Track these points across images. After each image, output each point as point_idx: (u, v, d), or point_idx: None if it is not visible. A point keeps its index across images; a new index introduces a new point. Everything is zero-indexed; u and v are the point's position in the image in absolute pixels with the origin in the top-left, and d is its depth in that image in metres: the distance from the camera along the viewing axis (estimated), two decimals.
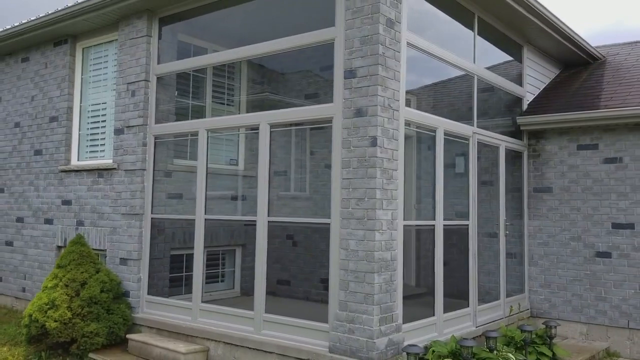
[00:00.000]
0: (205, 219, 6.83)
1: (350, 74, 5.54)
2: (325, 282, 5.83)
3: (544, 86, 9.22)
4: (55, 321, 6.46)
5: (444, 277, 6.30)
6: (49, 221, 8.65)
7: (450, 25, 7.16)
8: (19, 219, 9.19)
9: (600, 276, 7.84)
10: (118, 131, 7.71)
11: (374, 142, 5.34)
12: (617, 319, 7.66)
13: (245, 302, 7.49)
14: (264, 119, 6.30)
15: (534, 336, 6.56)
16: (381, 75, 5.39)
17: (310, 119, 6.01)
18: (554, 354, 6.50)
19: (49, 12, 8.16)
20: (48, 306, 6.56)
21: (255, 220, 6.37)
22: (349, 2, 5.60)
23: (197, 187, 6.86)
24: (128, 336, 6.86)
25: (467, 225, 6.96)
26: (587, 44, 9.15)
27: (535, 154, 8.48)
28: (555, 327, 6.63)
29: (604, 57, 9.86)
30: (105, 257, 7.69)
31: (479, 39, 7.40)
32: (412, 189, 8.09)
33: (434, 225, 6.30)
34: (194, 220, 6.88)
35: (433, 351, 5.59)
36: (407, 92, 5.77)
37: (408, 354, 5.09)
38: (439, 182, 6.35)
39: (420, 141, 7.35)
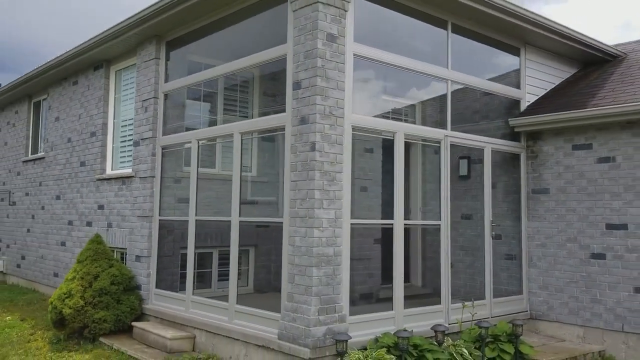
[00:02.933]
0: (196, 220, 7.60)
1: (297, 85, 6.07)
2: None
3: (553, 87, 9.14)
4: (70, 308, 7.49)
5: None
6: (89, 224, 9.86)
7: (422, 34, 7.45)
8: (69, 222, 10.51)
9: (595, 278, 7.71)
10: (136, 143, 8.71)
11: (313, 147, 5.83)
12: (612, 322, 7.50)
13: (257, 298, 8.19)
14: (236, 129, 6.98)
15: (501, 333, 6.67)
16: (320, 86, 5.87)
17: (271, 128, 6.60)
18: (519, 351, 6.57)
19: (84, 41, 9.39)
20: (65, 295, 7.62)
21: (230, 220, 7.02)
22: (296, 20, 6.15)
23: (190, 191, 7.67)
24: (133, 324, 7.77)
25: (439, 225, 7.19)
26: (596, 41, 8.97)
27: (532, 155, 8.47)
28: (522, 325, 6.68)
29: (625, 54, 9.57)
30: (126, 254, 8.71)
31: (459, 44, 7.62)
32: (417, 193, 8.42)
33: (392, 224, 6.62)
34: (188, 221, 7.67)
35: (377, 340, 5.95)
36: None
37: (337, 341, 5.51)
38: (398, 183, 6.66)
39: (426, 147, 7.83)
